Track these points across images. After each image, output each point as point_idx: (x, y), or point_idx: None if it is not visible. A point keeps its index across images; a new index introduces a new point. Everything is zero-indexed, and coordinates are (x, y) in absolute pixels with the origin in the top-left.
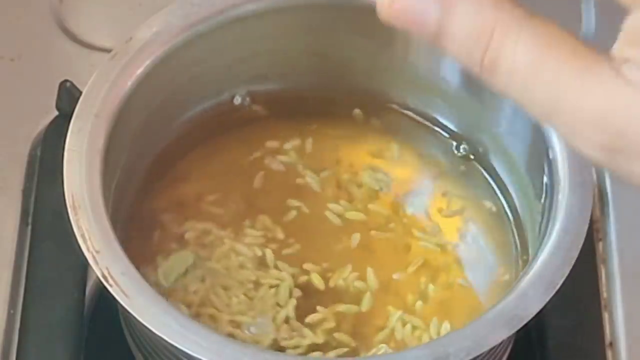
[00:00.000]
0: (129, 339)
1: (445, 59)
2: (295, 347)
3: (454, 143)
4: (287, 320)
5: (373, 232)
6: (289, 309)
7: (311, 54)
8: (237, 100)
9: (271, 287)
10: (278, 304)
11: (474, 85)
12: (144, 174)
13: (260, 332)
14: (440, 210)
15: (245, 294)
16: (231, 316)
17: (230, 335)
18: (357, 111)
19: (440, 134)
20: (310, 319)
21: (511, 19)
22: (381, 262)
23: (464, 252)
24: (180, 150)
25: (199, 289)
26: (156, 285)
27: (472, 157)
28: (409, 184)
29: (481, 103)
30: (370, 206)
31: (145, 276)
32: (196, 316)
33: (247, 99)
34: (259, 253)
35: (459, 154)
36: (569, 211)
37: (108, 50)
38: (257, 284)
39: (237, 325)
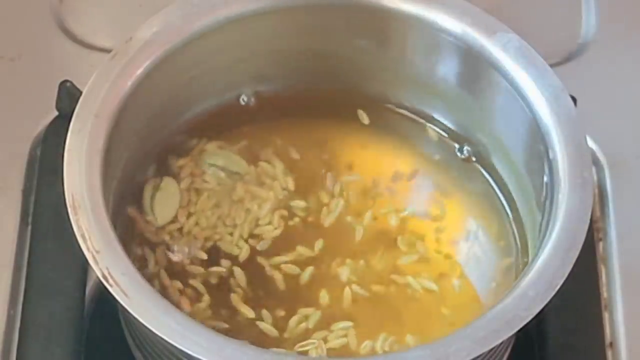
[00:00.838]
0: (129, 339)
1: (444, 59)
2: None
3: (457, 145)
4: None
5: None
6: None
7: (311, 54)
8: (238, 100)
9: (231, 235)
10: (217, 247)
11: (473, 86)
12: (144, 173)
13: (175, 253)
14: (443, 211)
15: (217, 219)
16: (191, 219)
17: (164, 233)
18: (358, 112)
19: (441, 134)
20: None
21: None
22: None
23: (466, 254)
24: (181, 150)
25: (210, 182)
26: (199, 150)
27: (473, 158)
28: (416, 190)
29: (480, 103)
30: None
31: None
32: (183, 189)
33: (246, 99)
34: (271, 224)
35: (462, 157)
36: (569, 211)
37: (108, 50)
38: (231, 227)
39: (181, 224)
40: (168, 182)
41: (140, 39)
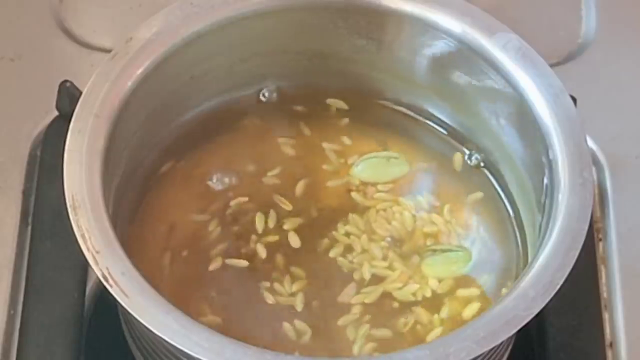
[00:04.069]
0: (129, 339)
1: (444, 59)
2: None
3: (464, 148)
4: None
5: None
6: None
7: (311, 54)
8: (238, 99)
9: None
10: None
11: (473, 86)
12: (144, 173)
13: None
14: (444, 211)
15: None
16: None
17: None
18: (358, 111)
19: (443, 134)
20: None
21: None
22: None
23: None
24: (181, 150)
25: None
26: None
27: (477, 157)
28: (418, 189)
29: (480, 103)
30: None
31: None
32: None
33: (247, 98)
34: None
35: (467, 158)
36: (569, 211)
37: (108, 50)
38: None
39: None
40: None
41: (140, 39)
